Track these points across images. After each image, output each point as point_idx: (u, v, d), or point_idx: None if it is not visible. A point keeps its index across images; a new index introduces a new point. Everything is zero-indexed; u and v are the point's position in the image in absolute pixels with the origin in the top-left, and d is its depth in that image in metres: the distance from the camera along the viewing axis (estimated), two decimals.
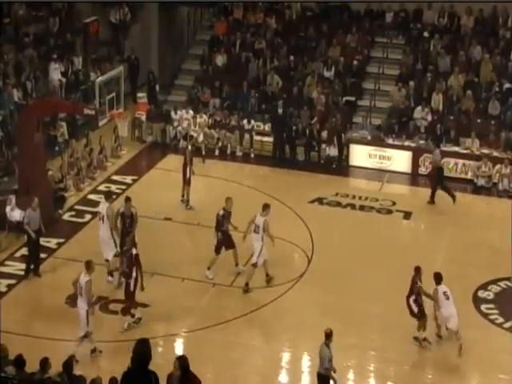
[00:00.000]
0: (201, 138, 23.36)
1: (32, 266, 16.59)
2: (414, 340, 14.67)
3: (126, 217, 16.39)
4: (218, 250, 16.68)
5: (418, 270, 14.58)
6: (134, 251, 14.83)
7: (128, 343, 14.28)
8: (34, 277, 16.50)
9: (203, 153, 22.94)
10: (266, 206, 16.47)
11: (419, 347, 14.53)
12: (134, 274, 14.70)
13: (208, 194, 20.83)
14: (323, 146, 23.08)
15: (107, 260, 16.32)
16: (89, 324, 13.72)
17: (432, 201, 20.51)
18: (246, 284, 16.26)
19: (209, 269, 16.65)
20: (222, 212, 16.74)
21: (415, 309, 14.52)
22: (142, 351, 7.23)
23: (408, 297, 14.57)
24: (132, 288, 14.71)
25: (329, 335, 12.55)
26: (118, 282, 15.90)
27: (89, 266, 13.79)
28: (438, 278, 14.46)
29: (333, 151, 22.75)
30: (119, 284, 15.63)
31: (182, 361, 7.92)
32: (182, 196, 19.96)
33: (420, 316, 14.55)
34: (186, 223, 19.30)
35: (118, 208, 16.69)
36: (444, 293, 14.30)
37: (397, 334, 14.98)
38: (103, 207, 16.27)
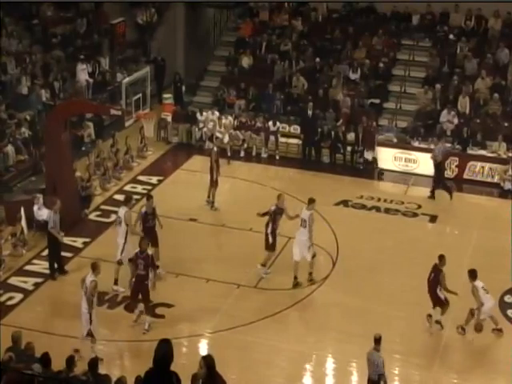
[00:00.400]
0: (226, 140, 23.40)
1: (56, 266, 16.73)
2: (436, 323, 14.93)
3: (148, 214, 16.48)
4: (272, 248, 16.70)
5: (441, 257, 14.77)
6: (149, 252, 14.90)
7: (152, 343, 14.41)
8: (60, 276, 16.62)
9: (229, 154, 22.99)
10: (311, 201, 16.41)
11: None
12: (150, 275, 14.76)
13: (233, 195, 20.90)
14: (348, 148, 23.02)
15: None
16: (92, 323, 13.67)
17: (432, 196, 20.81)
18: (310, 274, 16.48)
19: (263, 266, 16.76)
20: (273, 208, 16.81)
21: (442, 296, 14.67)
22: (164, 351, 7.21)
23: (433, 286, 14.72)
24: (149, 289, 14.78)
25: (378, 340, 12.49)
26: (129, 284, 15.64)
27: (95, 267, 13.84)
28: (474, 274, 14.55)
29: (368, 155, 22.63)
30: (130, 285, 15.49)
31: (208, 360, 7.90)
32: (208, 197, 20.00)
33: (446, 303, 14.74)
34: (210, 224, 19.36)
35: (140, 210, 16.68)
36: (482, 287, 14.49)
37: (421, 338, 14.93)
38: (121, 212, 16.24)
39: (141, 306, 15.01)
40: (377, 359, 12.44)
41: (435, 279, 14.83)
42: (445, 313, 14.97)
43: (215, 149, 20.29)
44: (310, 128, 23.31)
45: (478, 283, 14.60)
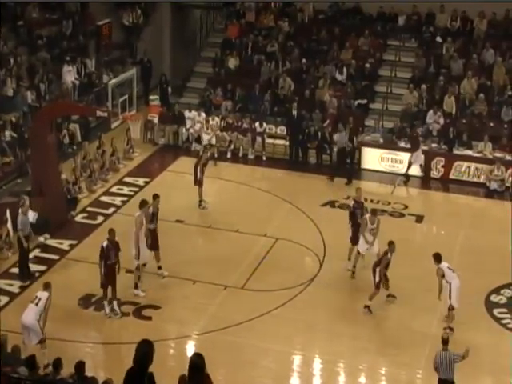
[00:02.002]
0: (213, 141, 23.38)
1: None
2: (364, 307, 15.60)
3: (154, 214, 16.47)
4: (355, 241, 16.95)
5: (390, 244, 15.49)
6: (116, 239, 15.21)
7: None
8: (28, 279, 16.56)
9: (215, 155, 22.97)
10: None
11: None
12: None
13: (219, 196, 20.88)
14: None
15: (144, 264, 16.24)
16: (43, 332, 13.63)
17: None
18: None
19: (349, 259, 17.11)
20: (352, 203, 17.22)
21: (377, 279, 15.40)
22: (145, 352, 7.16)
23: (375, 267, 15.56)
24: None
25: (446, 341, 12.53)
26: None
27: (47, 286, 13.87)
28: (438, 258, 15.06)
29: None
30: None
31: (193, 360, 7.69)
32: (200, 200, 19.97)
33: (377, 287, 15.46)
34: (197, 225, 19.34)
35: (148, 211, 16.38)
36: (448, 267, 14.98)
37: (409, 338, 14.96)
38: (136, 216, 16.07)
39: (109, 296, 15.29)
40: (450, 359, 12.40)
41: (378, 261, 15.61)
42: (373, 298, 15.53)
43: (209, 154, 20.42)
44: (295, 128, 23.34)
45: (443, 264, 15.01)
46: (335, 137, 22.36)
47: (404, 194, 21.71)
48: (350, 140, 22.79)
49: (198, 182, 19.82)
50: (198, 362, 7.50)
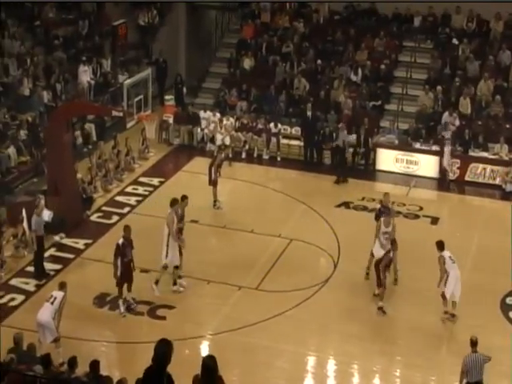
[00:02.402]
0: (227, 141, 23.41)
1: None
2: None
3: (181, 217, 16.49)
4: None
5: (393, 242, 15.96)
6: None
7: (153, 345, 14.40)
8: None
9: (230, 156, 23.00)
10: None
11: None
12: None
13: (234, 196, 20.89)
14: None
15: (176, 267, 16.21)
16: (57, 330, 13.69)
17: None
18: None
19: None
20: (379, 206, 17.30)
21: (382, 276, 15.65)
22: (163, 351, 7.19)
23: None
24: None
25: (475, 343, 12.52)
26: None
27: (63, 285, 13.94)
28: (441, 245, 15.30)
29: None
30: None
31: (206, 361, 7.72)
32: (215, 200, 20.00)
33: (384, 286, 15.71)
34: (212, 226, 19.36)
35: (177, 213, 16.29)
36: (450, 257, 15.18)
37: (424, 340, 14.91)
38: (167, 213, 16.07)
39: (125, 296, 15.35)
40: (481, 362, 12.42)
41: (380, 259, 15.75)
42: (383, 298, 15.67)
43: (223, 155, 20.49)
44: (309, 129, 23.32)
45: (445, 253, 15.22)
46: (340, 135, 22.32)
47: (419, 195, 21.62)
48: (364, 141, 22.81)
49: (213, 183, 19.85)
50: (210, 363, 7.55)
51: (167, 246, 15.82)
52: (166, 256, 15.84)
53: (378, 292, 15.78)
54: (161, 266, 15.92)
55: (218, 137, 23.28)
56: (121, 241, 15.27)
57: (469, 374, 12.47)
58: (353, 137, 23.04)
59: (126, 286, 15.45)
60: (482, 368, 12.45)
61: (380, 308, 15.65)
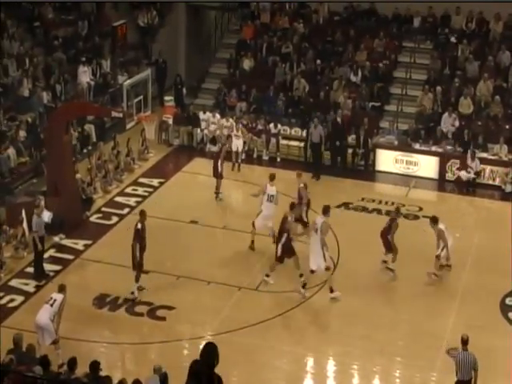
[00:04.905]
0: (240, 146, 23.36)
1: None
2: (387, 269, 16.94)
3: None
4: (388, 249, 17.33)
5: (397, 209, 17.39)
6: None
7: (153, 346, 14.43)
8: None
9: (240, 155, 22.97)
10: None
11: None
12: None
13: (234, 197, 20.90)
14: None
15: (312, 271, 16.13)
16: (56, 333, 13.71)
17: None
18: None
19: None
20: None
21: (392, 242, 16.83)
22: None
23: (386, 233, 16.92)
24: None
25: (466, 342, 12.45)
26: None
27: (62, 288, 13.92)
28: (435, 220, 16.53)
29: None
30: None
31: (208, 349, 7.68)
32: (216, 191, 20.22)
33: (395, 249, 16.88)
34: (212, 226, 19.35)
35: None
36: (445, 228, 16.45)
37: (424, 340, 14.91)
38: (319, 220, 16.02)
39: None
40: (471, 360, 12.33)
41: (389, 227, 16.85)
42: (395, 260, 16.78)
43: (228, 145, 21.12)
44: (339, 135, 22.89)
45: (441, 225, 16.39)
46: (311, 131, 22.58)
47: (418, 196, 21.61)
48: (364, 142, 22.80)
49: (220, 175, 19.96)
50: (211, 347, 7.59)
51: (322, 251, 15.86)
52: (325, 259, 15.88)
53: (392, 257, 16.89)
54: (322, 268, 15.94)
55: (235, 142, 22.61)
56: (139, 225, 15.57)
57: (459, 372, 12.40)
58: (352, 137, 23.06)
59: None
60: (470, 367, 12.31)
61: (384, 262, 17.01)
